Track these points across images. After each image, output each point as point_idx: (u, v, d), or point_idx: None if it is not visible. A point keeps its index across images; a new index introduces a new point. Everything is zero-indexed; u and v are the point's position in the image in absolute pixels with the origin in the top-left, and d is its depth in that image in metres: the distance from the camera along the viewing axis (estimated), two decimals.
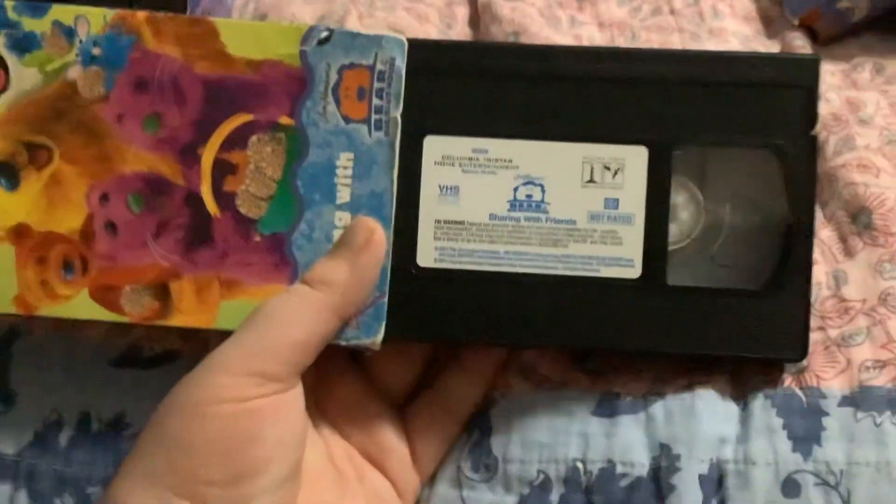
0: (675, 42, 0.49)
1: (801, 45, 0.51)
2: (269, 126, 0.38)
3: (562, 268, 0.38)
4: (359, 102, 0.37)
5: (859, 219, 0.41)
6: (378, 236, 0.36)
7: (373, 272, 0.36)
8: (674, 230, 0.38)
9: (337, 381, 0.39)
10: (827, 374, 0.37)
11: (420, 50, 0.38)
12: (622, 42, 0.48)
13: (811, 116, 0.38)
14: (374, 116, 0.37)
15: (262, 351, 0.33)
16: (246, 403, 0.32)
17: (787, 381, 0.37)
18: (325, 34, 0.38)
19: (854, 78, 0.49)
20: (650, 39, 0.50)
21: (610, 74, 0.38)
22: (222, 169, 0.38)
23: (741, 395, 0.38)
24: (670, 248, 0.38)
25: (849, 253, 0.41)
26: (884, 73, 0.49)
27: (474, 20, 0.53)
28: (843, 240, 0.41)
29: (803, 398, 0.36)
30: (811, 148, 0.38)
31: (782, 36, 0.53)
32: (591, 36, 0.50)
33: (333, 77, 0.38)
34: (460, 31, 0.49)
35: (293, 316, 0.34)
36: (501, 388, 0.39)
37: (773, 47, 0.51)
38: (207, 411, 0.31)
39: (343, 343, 0.37)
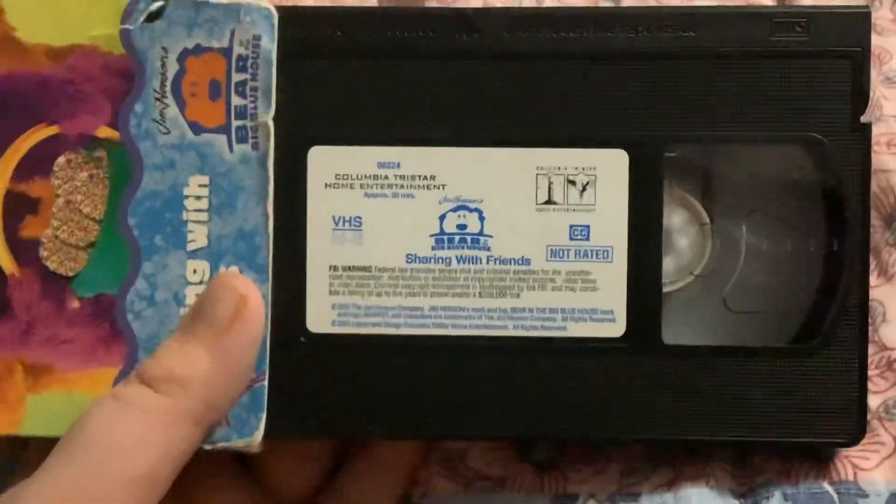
0: None
1: None
2: (82, 142, 0.27)
3: (512, 327, 0.27)
4: (212, 103, 0.27)
5: None
6: (253, 304, 0.25)
7: (247, 358, 0.26)
8: (670, 265, 0.28)
9: (214, 488, 0.29)
10: (868, 461, 0.29)
11: (296, 23, 0.27)
12: None
13: (860, 96, 0.27)
14: (235, 123, 0.27)
15: (89, 494, 0.23)
16: None
17: (812, 473, 0.29)
18: (156, 5, 0.27)
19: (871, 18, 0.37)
20: None
21: (571, 48, 0.27)
22: (18, 206, 0.27)
23: (747, 492, 0.29)
24: (665, 290, 0.28)
25: (884, 273, 0.31)
26: None
27: None
28: (874, 254, 0.31)
29: (835, 498, 0.28)
30: (861, 141, 0.27)
31: None
32: None
33: (172, 67, 0.26)
34: None
35: (131, 439, 0.24)
36: (422, 488, 0.31)
37: None
38: None
39: (208, 448, 0.26)
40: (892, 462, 0.29)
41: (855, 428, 0.27)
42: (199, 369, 0.25)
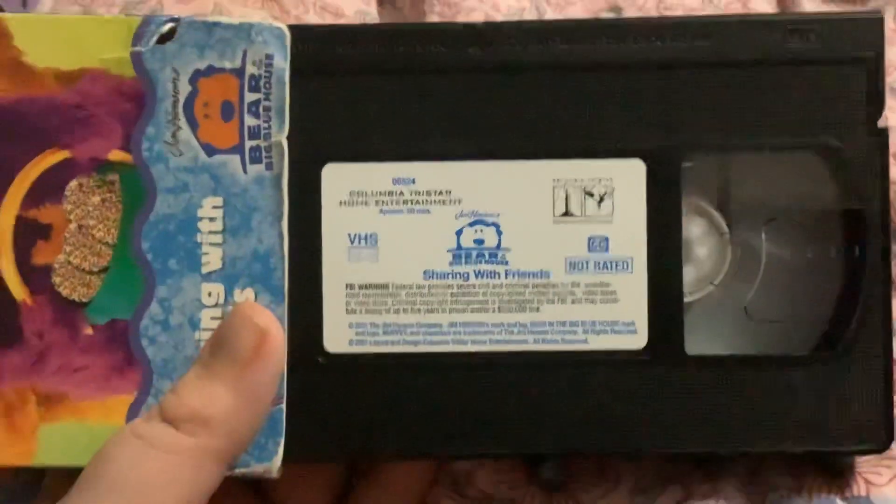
0: None
1: None
2: (93, 166, 0.26)
3: (533, 341, 0.27)
4: (225, 124, 0.26)
5: None
6: (274, 338, 0.24)
7: (268, 392, 0.25)
8: (690, 275, 0.28)
9: None
10: (881, 476, 0.28)
11: (308, 41, 0.27)
12: None
13: (875, 101, 0.27)
14: (248, 143, 0.26)
15: None
16: None
17: (825, 489, 0.28)
18: (167, 27, 0.26)
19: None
20: None
21: (584, 59, 0.27)
22: (29, 233, 0.26)
23: None
24: (687, 300, 0.27)
25: None
26: None
27: None
28: None
29: None
30: (879, 146, 0.27)
31: None
32: None
33: (185, 89, 0.26)
34: None
35: (160, 480, 0.23)
36: None
37: None
38: None
39: (226, 474, 0.25)
40: None
41: (883, 435, 0.26)
42: (222, 407, 0.24)
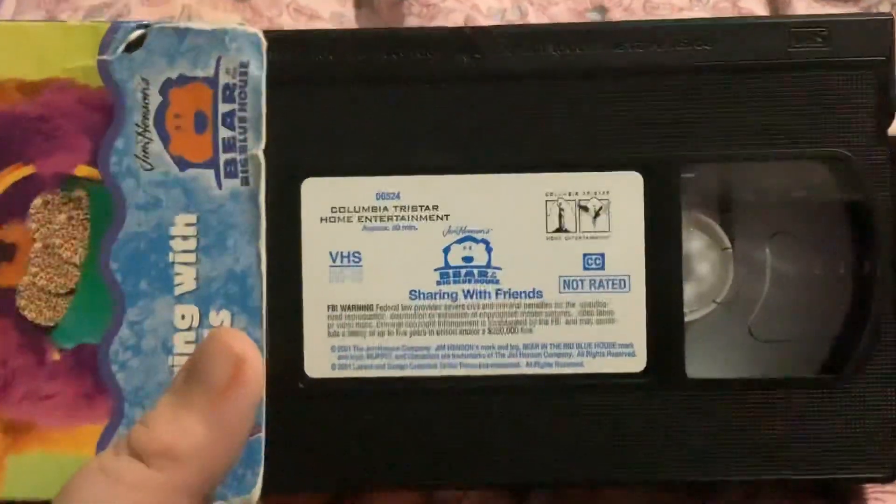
0: None
1: None
2: (59, 182, 0.25)
3: (525, 364, 0.26)
4: (198, 136, 0.25)
5: None
6: (251, 366, 0.23)
7: (245, 424, 0.23)
8: (690, 293, 0.27)
9: None
10: (884, 503, 0.27)
11: (286, 48, 0.25)
12: None
13: (886, 108, 0.25)
14: (223, 156, 0.25)
15: None
16: None
17: None
18: (136, 34, 0.25)
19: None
20: None
21: (578, 65, 0.25)
22: None
23: None
24: (687, 319, 0.26)
25: None
26: None
27: None
28: None
29: None
30: (889, 155, 0.26)
31: None
32: None
33: (155, 99, 0.25)
34: None
35: None
36: None
37: None
38: None
39: None
40: None
41: (892, 462, 0.25)
42: (194, 441, 0.22)
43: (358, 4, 0.34)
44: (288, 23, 0.32)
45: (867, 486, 0.27)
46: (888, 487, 0.27)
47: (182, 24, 0.25)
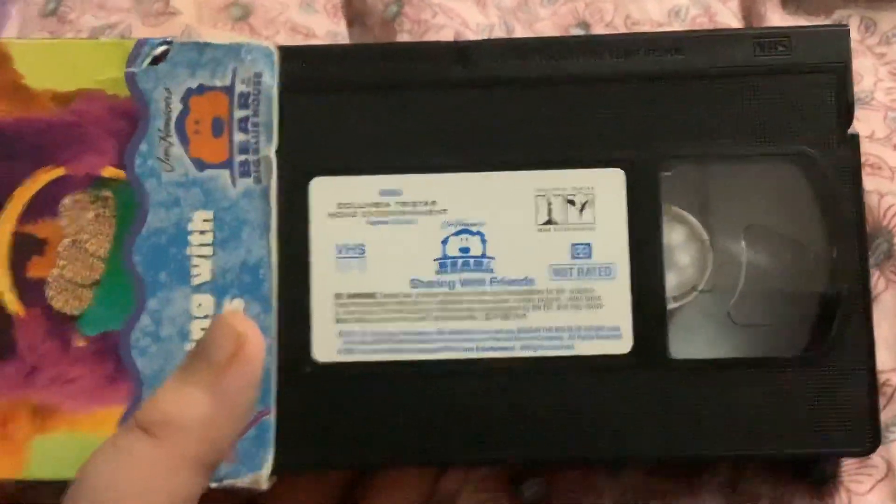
0: None
1: None
2: (88, 182, 0.27)
3: (520, 348, 0.27)
4: (215, 140, 0.27)
5: (876, 244, 0.31)
6: (252, 344, 0.24)
7: (246, 398, 0.24)
8: (673, 281, 0.28)
9: None
10: (861, 485, 0.28)
11: (296, 59, 0.28)
12: (537, 3, 0.35)
13: (845, 109, 0.27)
14: (238, 158, 0.27)
15: None
16: None
17: (806, 498, 0.28)
18: (160, 49, 0.27)
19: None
20: None
21: (563, 74, 0.28)
22: (25, 248, 0.27)
23: None
24: (670, 307, 0.28)
25: None
26: (876, 29, 0.37)
27: None
28: None
29: None
30: (851, 152, 0.28)
31: None
32: None
33: (176, 107, 0.27)
34: (327, 1, 0.36)
35: (133, 490, 0.23)
36: None
37: (729, 0, 0.38)
38: None
39: (215, 486, 0.25)
40: (885, 485, 0.28)
41: (869, 437, 0.26)
42: (197, 411, 0.23)
43: (351, 23, 0.36)
44: (284, 41, 0.34)
45: (844, 468, 0.28)
46: (864, 469, 0.28)
47: (202, 40, 0.27)
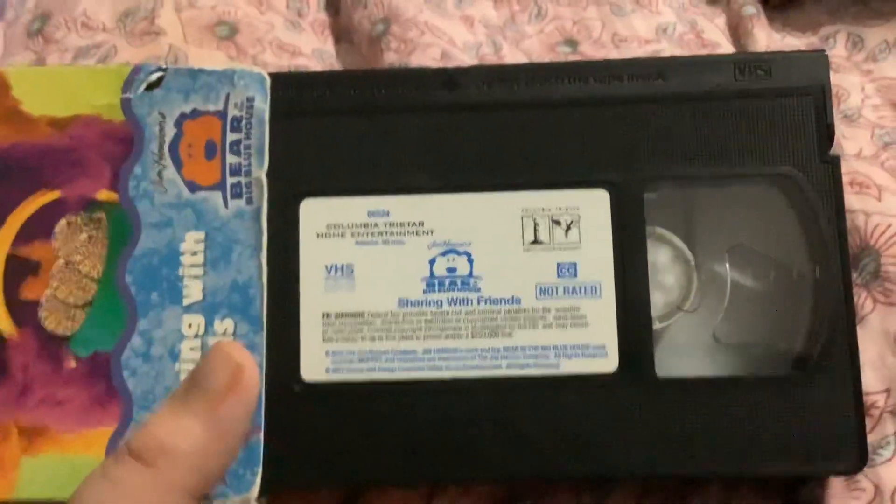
0: (593, 17, 0.36)
1: (752, 12, 0.39)
2: (82, 205, 0.28)
3: (506, 366, 0.27)
4: (208, 162, 0.27)
5: (863, 265, 0.30)
6: (248, 374, 0.24)
7: (240, 428, 0.25)
8: (658, 301, 0.29)
9: None
10: (854, 502, 0.28)
11: (287, 85, 0.28)
12: (524, 21, 0.36)
13: (825, 131, 0.28)
14: (230, 180, 0.27)
15: None
16: None
17: None
18: (155, 76, 0.28)
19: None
20: (560, 14, 0.37)
21: (550, 97, 0.28)
22: (18, 269, 0.27)
23: None
24: (656, 326, 0.28)
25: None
26: (863, 46, 0.37)
27: (333, 3, 0.40)
28: None
29: None
30: (831, 173, 0.28)
31: (727, 1, 0.40)
32: (484, 16, 0.38)
33: (170, 131, 0.28)
34: (314, 20, 0.37)
35: None
36: None
37: (716, 17, 0.39)
38: None
39: None
40: None
41: (856, 456, 0.26)
42: (191, 439, 0.23)
43: (338, 41, 0.36)
44: (271, 59, 0.34)
45: (831, 491, 0.28)
46: (853, 491, 0.27)
47: (196, 66, 0.28)
